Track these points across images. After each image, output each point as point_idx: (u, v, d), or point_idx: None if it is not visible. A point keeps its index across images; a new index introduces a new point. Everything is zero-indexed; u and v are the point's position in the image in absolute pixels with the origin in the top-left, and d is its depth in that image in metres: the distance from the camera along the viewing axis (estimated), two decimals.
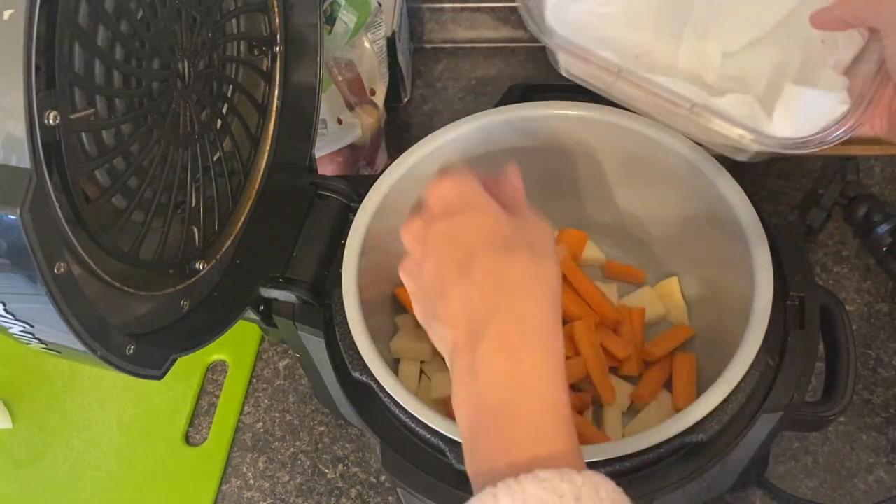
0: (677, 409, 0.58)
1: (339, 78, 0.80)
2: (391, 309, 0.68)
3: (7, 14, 0.36)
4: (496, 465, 0.36)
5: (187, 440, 0.73)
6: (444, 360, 0.49)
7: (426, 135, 0.64)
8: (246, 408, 0.74)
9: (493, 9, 0.99)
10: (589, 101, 0.64)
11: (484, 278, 0.39)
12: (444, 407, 0.62)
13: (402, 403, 0.52)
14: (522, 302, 0.38)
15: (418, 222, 0.43)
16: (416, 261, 0.43)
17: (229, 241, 0.61)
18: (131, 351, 0.47)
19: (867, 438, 0.68)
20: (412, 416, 0.51)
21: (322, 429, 0.73)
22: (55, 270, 0.40)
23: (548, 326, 0.38)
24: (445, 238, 0.41)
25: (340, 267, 0.58)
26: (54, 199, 0.41)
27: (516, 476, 0.33)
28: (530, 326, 0.38)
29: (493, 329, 0.38)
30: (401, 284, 0.67)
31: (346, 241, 0.60)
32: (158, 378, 0.51)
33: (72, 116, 0.43)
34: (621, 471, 0.49)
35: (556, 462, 0.35)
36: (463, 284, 0.39)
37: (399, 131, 0.93)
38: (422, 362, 0.66)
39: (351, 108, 0.82)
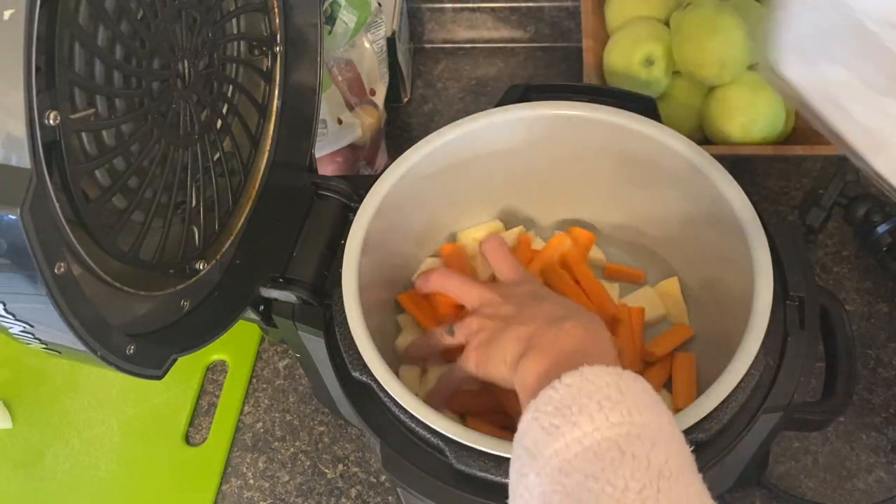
0: (677, 409, 0.58)
1: (339, 78, 0.80)
2: (392, 309, 0.68)
3: (7, 14, 0.36)
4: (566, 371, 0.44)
5: (187, 440, 0.73)
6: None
7: (426, 135, 0.64)
8: (246, 408, 0.74)
9: (493, 9, 0.99)
10: (589, 101, 0.64)
11: (562, 302, 0.54)
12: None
13: (402, 403, 0.52)
14: (591, 315, 0.52)
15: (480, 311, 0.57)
16: (490, 315, 0.55)
17: (229, 241, 0.61)
18: (131, 351, 0.47)
19: (867, 438, 0.68)
20: (412, 416, 0.51)
21: (322, 429, 0.73)
22: (55, 270, 0.40)
23: (609, 334, 0.51)
24: (527, 294, 0.56)
25: (340, 267, 0.58)
26: (54, 199, 0.41)
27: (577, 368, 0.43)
28: (599, 326, 0.51)
29: (571, 319, 0.50)
30: (402, 290, 0.67)
31: (346, 241, 0.60)
32: (158, 378, 0.50)
33: (72, 116, 0.43)
34: None
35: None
36: (546, 303, 0.54)
37: (399, 131, 0.93)
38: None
39: (351, 108, 0.82)
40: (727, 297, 0.61)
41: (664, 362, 0.64)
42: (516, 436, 0.44)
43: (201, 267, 0.57)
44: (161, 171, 0.52)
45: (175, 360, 0.52)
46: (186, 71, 0.53)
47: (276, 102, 0.65)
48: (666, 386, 0.63)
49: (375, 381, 0.53)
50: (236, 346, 0.77)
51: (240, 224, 0.62)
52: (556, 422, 0.41)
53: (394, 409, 0.53)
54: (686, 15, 0.78)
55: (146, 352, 0.49)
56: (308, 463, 0.71)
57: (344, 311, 0.56)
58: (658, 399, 0.43)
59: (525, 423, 0.43)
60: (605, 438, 0.39)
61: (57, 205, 0.41)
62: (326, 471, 0.70)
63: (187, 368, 0.76)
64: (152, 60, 0.50)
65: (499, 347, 0.52)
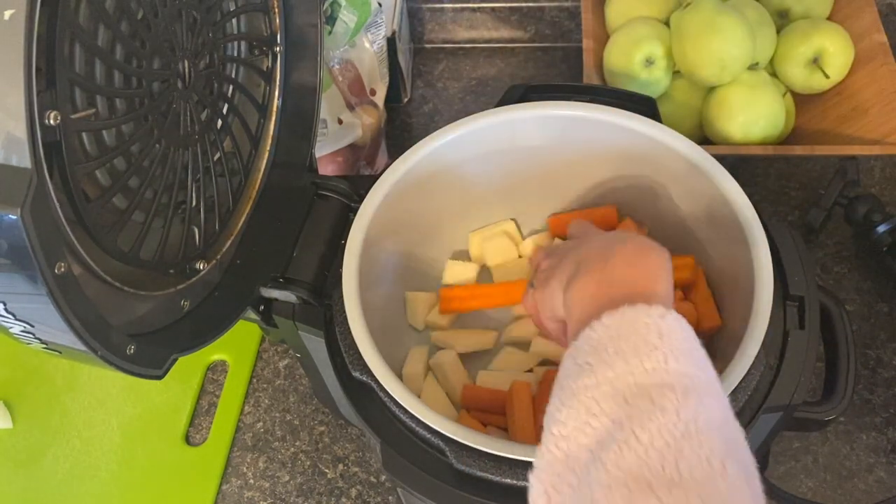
0: None
1: (339, 78, 0.80)
2: (392, 308, 0.68)
3: (7, 14, 0.36)
4: (608, 309, 0.43)
5: (187, 440, 0.73)
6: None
7: (426, 135, 0.64)
8: (246, 408, 0.74)
9: (493, 9, 0.99)
10: (589, 101, 0.64)
11: (625, 232, 0.54)
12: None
13: (402, 403, 0.52)
14: (654, 243, 0.48)
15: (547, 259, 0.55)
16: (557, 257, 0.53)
17: (229, 241, 0.61)
18: (132, 351, 0.47)
19: (867, 438, 0.68)
20: (412, 416, 0.51)
21: (322, 429, 0.73)
22: (55, 270, 0.40)
23: (668, 259, 0.48)
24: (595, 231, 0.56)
25: (340, 267, 0.58)
26: (55, 199, 0.41)
27: (618, 308, 0.42)
28: (657, 252, 0.48)
29: (628, 242, 0.48)
30: (410, 289, 0.67)
31: (346, 241, 0.60)
32: (159, 378, 0.51)
33: (72, 116, 0.43)
34: None
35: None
36: (608, 234, 0.53)
37: (399, 131, 0.93)
38: (428, 366, 0.66)
39: (351, 108, 0.82)
40: (727, 297, 0.61)
41: None
42: (555, 378, 0.43)
43: (201, 267, 0.57)
44: (161, 171, 0.52)
45: (175, 360, 0.52)
46: (187, 71, 0.53)
47: (276, 102, 0.65)
48: None
49: (375, 381, 0.53)
50: (236, 346, 0.77)
51: (240, 224, 0.62)
52: (591, 360, 0.40)
53: (394, 409, 0.53)
54: (686, 15, 0.78)
55: (146, 352, 0.49)
56: (308, 463, 0.71)
57: (344, 311, 0.56)
58: (698, 345, 0.42)
59: (563, 362, 0.43)
60: (638, 384, 0.39)
61: (57, 205, 0.41)
62: (326, 471, 0.70)
63: (187, 368, 0.76)
64: (152, 60, 0.50)
65: (555, 276, 0.50)
